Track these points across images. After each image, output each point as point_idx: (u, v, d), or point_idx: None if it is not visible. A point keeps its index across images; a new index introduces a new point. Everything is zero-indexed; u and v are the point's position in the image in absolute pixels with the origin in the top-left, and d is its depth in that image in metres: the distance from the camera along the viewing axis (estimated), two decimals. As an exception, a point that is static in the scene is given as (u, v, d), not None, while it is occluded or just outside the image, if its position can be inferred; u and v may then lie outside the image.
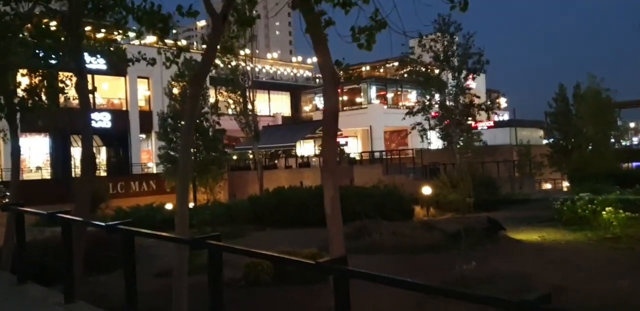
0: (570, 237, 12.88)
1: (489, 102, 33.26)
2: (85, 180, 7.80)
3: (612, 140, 40.73)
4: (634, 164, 44.49)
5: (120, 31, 9.31)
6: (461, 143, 32.69)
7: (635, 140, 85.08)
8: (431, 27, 32.46)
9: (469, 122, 33.94)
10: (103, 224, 4.18)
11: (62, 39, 8.76)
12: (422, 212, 24.21)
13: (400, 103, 57.20)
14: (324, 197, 5.36)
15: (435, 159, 34.07)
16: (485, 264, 9.44)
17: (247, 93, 26.59)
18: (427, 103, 33.65)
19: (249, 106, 26.52)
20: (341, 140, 48.00)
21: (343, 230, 5.65)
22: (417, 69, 33.31)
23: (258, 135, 25.84)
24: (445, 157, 33.99)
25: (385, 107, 54.87)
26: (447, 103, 32.78)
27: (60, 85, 10.19)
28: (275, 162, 39.64)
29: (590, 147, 39.56)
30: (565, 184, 47.41)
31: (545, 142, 49.86)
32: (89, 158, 7.77)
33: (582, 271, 9.64)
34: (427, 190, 24.91)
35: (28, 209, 6.96)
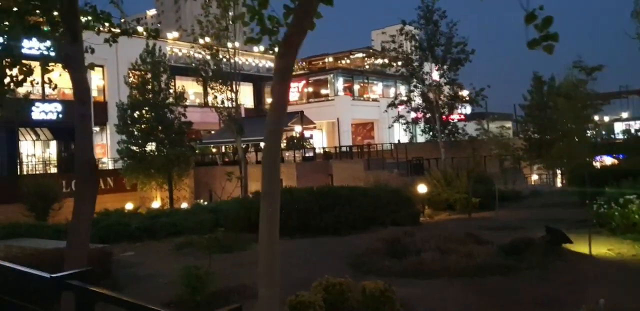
0: (649, 251, 11.02)
1: (474, 95, 31.63)
2: (86, 197, 5.32)
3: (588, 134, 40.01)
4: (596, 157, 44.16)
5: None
6: (444, 137, 31.10)
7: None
8: (415, 13, 30.73)
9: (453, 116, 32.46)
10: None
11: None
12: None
13: (366, 95, 55.68)
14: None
15: (418, 153, 32.31)
16: (592, 297, 7.45)
17: (231, 83, 24.16)
18: (409, 95, 31.88)
19: (230, 96, 24.06)
20: (306, 133, 45.66)
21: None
22: (400, 57, 31.31)
23: (242, 127, 23.43)
24: (427, 152, 32.36)
25: (351, 98, 53.13)
26: (430, 95, 31.04)
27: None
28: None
29: (564, 141, 38.69)
30: (535, 178, 46.91)
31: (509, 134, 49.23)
32: (88, 165, 5.31)
33: None
34: (422, 188, 23.09)
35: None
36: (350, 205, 15.67)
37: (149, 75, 32.57)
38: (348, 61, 63.77)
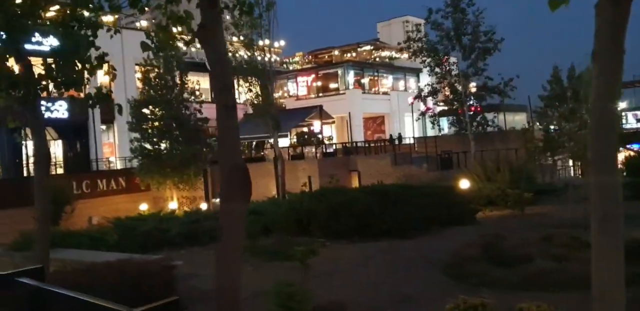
0: None
1: (502, 85, 30.40)
2: (236, 209, 3.99)
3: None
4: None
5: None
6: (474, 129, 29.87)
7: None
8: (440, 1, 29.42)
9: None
10: None
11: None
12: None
13: (376, 89, 54.44)
14: None
15: (443, 147, 31.07)
16: None
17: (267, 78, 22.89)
18: (435, 86, 30.62)
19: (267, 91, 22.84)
20: (315, 128, 44.12)
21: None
22: (426, 47, 30.02)
23: (278, 123, 22.14)
24: (453, 145, 31.17)
25: (362, 92, 51.87)
26: (458, 87, 29.78)
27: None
28: (263, 153, 35.72)
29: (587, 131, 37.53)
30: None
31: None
32: (240, 169, 4.02)
33: None
34: (465, 184, 21.89)
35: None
36: (411, 205, 14.44)
37: (162, 70, 31.14)
38: (354, 54, 62.37)
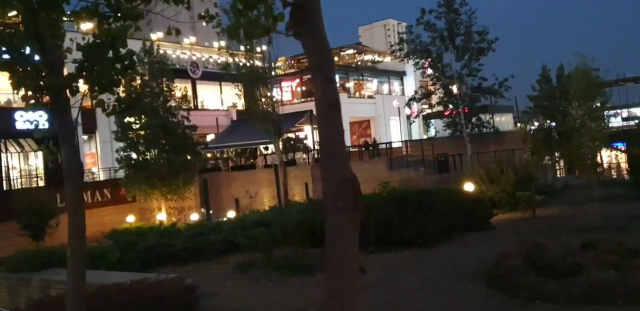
0: None
1: (497, 86, 30.07)
2: (346, 231, 3.25)
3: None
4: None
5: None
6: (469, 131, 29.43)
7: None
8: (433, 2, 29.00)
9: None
10: None
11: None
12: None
13: (361, 93, 53.98)
14: None
15: (439, 150, 30.52)
16: None
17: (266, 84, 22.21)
18: (430, 89, 30.13)
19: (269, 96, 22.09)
20: (306, 133, 43.30)
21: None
22: (419, 49, 29.53)
23: (279, 128, 21.36)
24: (447, 147, 30.66)
25: (347, 96, 51.27)
26: (453, 88, 29.33)
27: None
28: (252, 161, 34.77)
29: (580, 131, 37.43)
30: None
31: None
32: (349, 183, 3.29)
33: None
34: (469, 187, 21.32)
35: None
36: (432, 212, 13.77)
37: (147, 77, 30.13)
38: (337, 58, 61.90)
